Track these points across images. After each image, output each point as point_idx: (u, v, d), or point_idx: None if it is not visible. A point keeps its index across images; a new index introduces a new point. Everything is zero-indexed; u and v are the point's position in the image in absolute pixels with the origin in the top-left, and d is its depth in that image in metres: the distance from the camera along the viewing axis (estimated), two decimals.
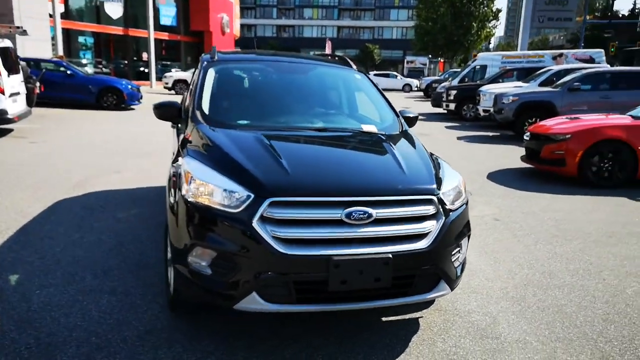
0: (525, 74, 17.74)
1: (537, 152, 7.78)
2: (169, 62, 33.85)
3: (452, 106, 17.62)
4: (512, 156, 9.63)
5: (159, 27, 30.96)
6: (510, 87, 14.21)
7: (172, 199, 2.86)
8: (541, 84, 14.43)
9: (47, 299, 3.26)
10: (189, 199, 2.62)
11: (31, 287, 3.41)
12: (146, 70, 30.81)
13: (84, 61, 27.76)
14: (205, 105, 3.49)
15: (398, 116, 3.83)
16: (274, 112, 3.69)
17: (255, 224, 2.43)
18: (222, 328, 2.97)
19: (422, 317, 3.22)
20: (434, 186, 2.75)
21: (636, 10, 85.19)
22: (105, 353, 2.67)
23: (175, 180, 2.91)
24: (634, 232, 5.18)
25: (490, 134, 13.71)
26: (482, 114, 15.00)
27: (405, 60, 56.46)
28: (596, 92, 12.07)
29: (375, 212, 2.52)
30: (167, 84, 26.47)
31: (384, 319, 3.17)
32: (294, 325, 3.02)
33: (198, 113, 3.41)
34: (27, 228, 4.62)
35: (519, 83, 15.41)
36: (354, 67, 4.38)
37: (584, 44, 37.78)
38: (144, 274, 3.70)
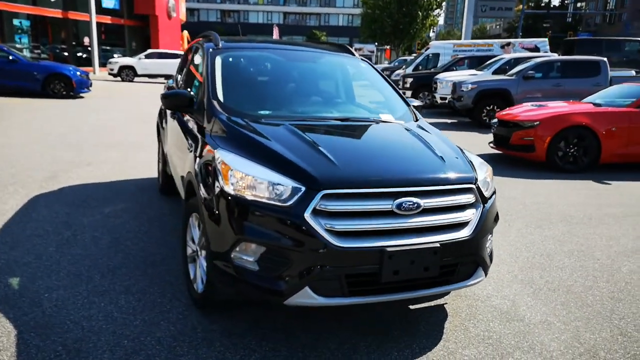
0: (476, 62, 18.30)
1: (507, 138, 8.08)
2: (109, 47, 32.28)
3: (408, 94, 17.92)
4: (476, 142, 9.94)
5: (100, 10, 29.41)
6: (467, 75, 14.61)
7: (204, 194, 2.74)
8: (494, 72, 14.96)
9: (60, 302, 3.06)
10: (232, 193, 2.53)
11: (38, 290, 3.19)
12: (85, 56, 29.27)
13: (18, 46, 25.99)
14: (221, 95, 3.36)
15: (409, 105, 3.85)
16: (290, 102, 3.61)
17: (308, 217, 2.38)
18: (256, 324, 2.91)
19: (446, 303, 3.28)
20: (474, 175, 2.80)
21: (566, 2, 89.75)
22: (144, 356, 2.55)
23: (206, 173, 2.79)
24: (609, 214, 5.50)
25: (449, 120, 14.09)
26: (439, 101, 15.36)
27: (354, 48, 56.78)
28: (549, 80, 12.68)
29: (423, 202, 2.53)
30: (112, 70, 25.34)
31: (411, 307, 3.21)
32: (328, 319, 3.00)
33: (215, 103, 3.27)
34: (9, 227, 4.31)
35: (473, 71, 15.88)
36: (357, 54, 4.36)
37: (522, 33, 39.46)
38: (153, 272, 3.55)
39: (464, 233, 2.64)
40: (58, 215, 4.65)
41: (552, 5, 77.57)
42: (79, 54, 29.94)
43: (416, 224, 2.51)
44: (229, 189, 2.55)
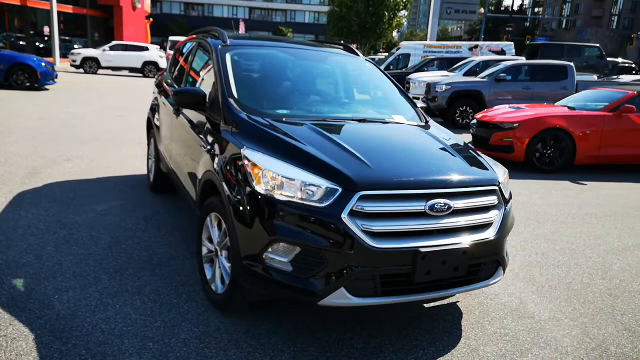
0: (446, 63, 18.71)
1: (486, 139, 8.30)
2: (69, 38, 31.15)
3: None
4: None
5: None
6: (439, 76, 14.90)
7: (231, 194, 2.70)
8: (465, 74, 15.32)
9: (72, 303, 2.96)
10: (264, 193, 2.51)
11: (46, 292, 3.07)
12: (43, 46, 28.14)
13: None
14: (235, 93, 3.32)
15: (416, 107, 3.91)
16: (304, 101, 3.60)
17: (345, 218, 2.39)
18: (278, 325, 2.89)
19: (458, 301, 3.36)
20: (497, 177, 2.87)
21: (524, 6, 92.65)
22: (173, 359, 2.50)
23: (231, 173, 2.76)
24: (590, 213, 5.75)
25: None
26: None
27: None
28: (518, 82, 13.08)
29: (453, 204, 2.58)
30: (74, 61, 24.48)
31: (426, 305, 3.27)
32: (347, 318, 3.02)
33: (232, 101, 3.23)
34: None
35: (445, 72, 16.20)
36: (360, 54, 4.38)
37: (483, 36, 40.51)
38: (161, 272, 3.48)
39: (489, 234, 2.71)
40: (49, 213, 4.48)
41: (511, 10, 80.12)
42: (38, 44, 28.77)
43: (446, 225, 2.56)
44: (261, 189, 2.53)
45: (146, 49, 25.60)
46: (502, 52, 20.49)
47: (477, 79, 13.43)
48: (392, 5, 46.32)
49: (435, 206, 2.53)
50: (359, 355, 2.65)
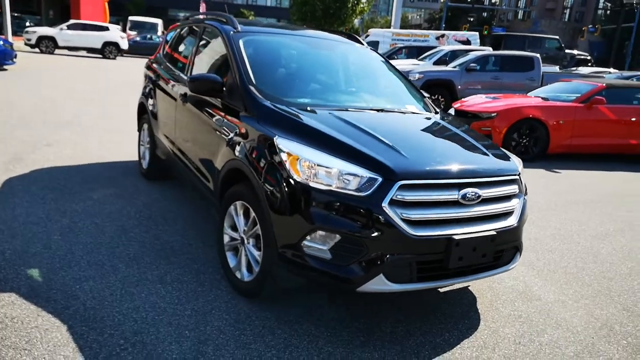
0: (415, 52, 18.98)
1: None
2: (19, 15, 29.57)
3: None
4: None
5: None
6: (410, 65, 15.11)
7: (265, 183, 2.71)
8: (435, 63, 15.60)
9: (96, 293, 2.91)
10: (303, 182, 2.54)
11: (66, 282, 3.01)
12: None
13: None
14: (254, 81, 3.30)
15: (424, 97, 4.00)
16: (320, 90, 3.63)
17: (386, 207, 2.46)
18: (307, 311, 2.95)
19: (469, 286, 3.51)
20: (517, 166, 3.01)
21: None
22: (213, 346, 2.53)
23: (265, 162, 2.76)
24: (570, 200, 6.05)
25: None
26: None
27: None
28: (488, 72, 13.45)
29: (482, 193, 2.70)
30: (29, 40, 23.36)
31: (441, 290, 3.40)
32: (372, 305, 3.11)
33: (253, 89, 3.22)
34: None
35: (415, 61, 16.45)
36: (365, 44, 4.43)
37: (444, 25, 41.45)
38: (178, 260, 3.46)
39: (511, 221, 2.84)
40: (44, 201, 4.34)
41: (468, 0, 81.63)
42: None
43: (476, 213, 2.68)
44: (299, 178, 2.56)
45: (106, 28, 24.68)
46: (468, 42, 20.94)
47: (448, 68, 13.70)
48: None
49: (467, 195, 2.63)
50: (391, 339, 2.75)
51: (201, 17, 4.59)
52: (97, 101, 10.53)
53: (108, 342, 2.48)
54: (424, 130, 3.29)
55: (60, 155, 5.89)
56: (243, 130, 3.06)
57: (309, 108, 3.16)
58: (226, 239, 3.19)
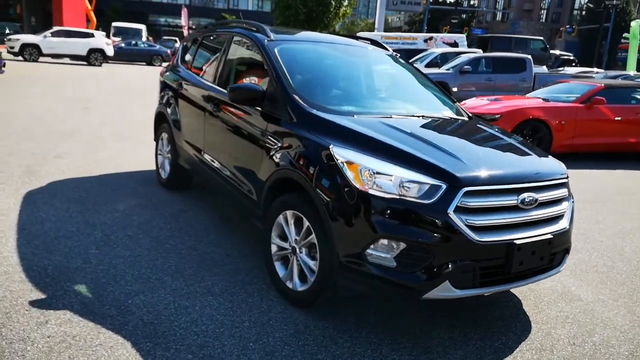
0: (403, 55, 19.07)
1: None
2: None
3: None
4: None
5: None
6: None
7: (325, 193, 2.70)
8: (427, 66, 15.75)
9: (150, 307, 2.88)
10: (366, 191, 2.55)
11: (116, 297, 2.96)
12: None
13: None
14: (298, 89, 3.30)
15: (455, 101, 4.05)
16: (360, 97, 3.65)
17: (451, 214, 2.48)
18: (361, 319, 2.95)
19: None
20: (565, 169, 3.06)
21: None
22: (280, 358, 2.51)
23: (319, 170, 2.76)
24: (581, 199, 6.11)
25: None
26: None
27: None
28: (481, 74, 13.64)
29: (539, 197, 2.74)
30: (12, 48, 22.91)
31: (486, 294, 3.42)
32: (418, 310, 3.12)
33: (297, 98, 3.22)
34: (26, 228, 3.89)
35: None
36: (390, 50, 4.46)
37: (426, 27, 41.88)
38: (220, 272, 3.44)
39: (563, 224, 2.89)
40: (70, 214, 4.27)
41: (455, 2, 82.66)
42: None
43: (534, 217, 2.72)
44: (361, 187, 2.57)
45: (91, 35, 24.36)
46: (455, 44, 21.18)
47: (442, 70, 13.86)
48: None
49: (526, 199, 2.67)
50: (450, 344, 2.77)
51: (230, 25, 4.57)
52: (95, 110, 10.40)
53: (176, 357, 2.45)
54: (470, 135, 3.33)
55: (72, 167, 5.80)
56: (291, 140, 3.06)
57: (355, 116, 3.17)
58: (274, 248, 3.18)
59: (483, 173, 2.64)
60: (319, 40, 4.15)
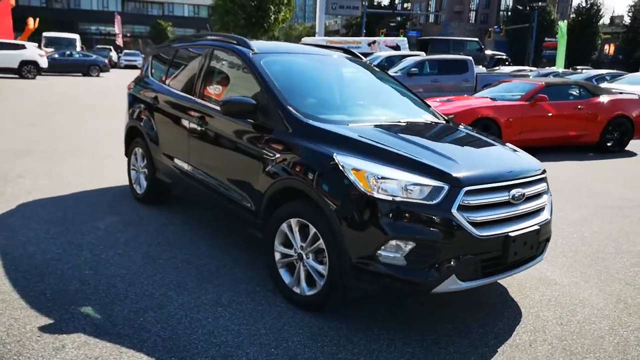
0: None
1: None
2: None
3: None
4: None
5: None
6: None
7: (333, 200, 2.82)
8: None
9: (164, 323, 2.90)
10: (374, 196, 2.70)
11: (126, 315, 2.96)
12: None
13: None
14: (291, 100, 3.42)
15: (429, 106, 4.29)
16: (351, 106, 3.81)
17: (455, 212, 2.68)
18: (370, 318, 3.10)
19: None
20: (542, 165, 3.35)
21: (395, 3, 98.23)
22: (303, 359, 2.62)
23: (325, 178, 2.89)
24: None
25: None
26: None
27: None
28: (427, 76, 14.18)
29: (526, 192, 3.00)
30: None
31: None
32: (424, 304, 3.32)
33: (291, 109, 3.33)
34: (8, 253, 3.76)
35: None
36: (364, 58, 4.66)
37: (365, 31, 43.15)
38: (221, 283, 3.48)
39: (545, 215, 3.17)
40: (52, 236, 4.16)
41: (382, 5, 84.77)
42: None
43: (523, 210, 2.98)
44: (369, 192, 2.72)
45: (23, 47, 23.13)
46: (398, 47, 21.86)
47: (390, 73, 14.27)
48: (277, 0, 46.69)
49: (515, 195, 2.92)
50: (456, 334, 2.97)
51: (205, 38, 4.59)
52: (43, 125, 9.98)
53: None
54: (455, 137, 3.57)
55: (38, 187, 5.60)
56: (290, 150, 3.16)
57: (350, 124, 3.32)
58: (277, 256, 3.27)
59: (479, 173, 2.87)
60: (296, 51, 4.28)
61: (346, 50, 4.72)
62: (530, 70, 18.37)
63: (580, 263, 4.20)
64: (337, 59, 4.36)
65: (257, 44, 4.02)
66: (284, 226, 3.18)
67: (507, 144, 3.66)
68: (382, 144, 3.00)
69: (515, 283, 3.74)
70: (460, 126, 3.88)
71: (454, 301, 3.38)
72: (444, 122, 3.99)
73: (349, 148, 2.97)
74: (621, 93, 10.45)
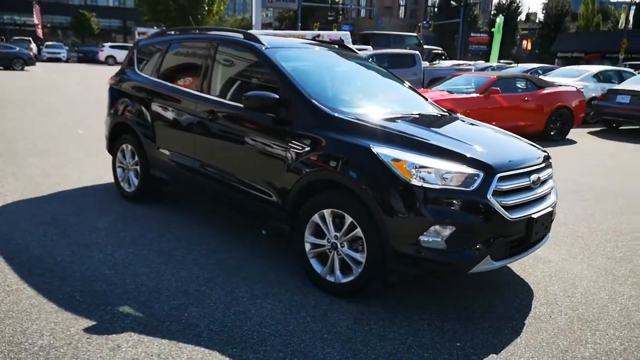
0: None
1: None
2: None
3: None
4: None
5: None
6: None
7: (374, 191, 2.95)
8: None
9: (210, 317, 2.92)
10: (417, 185, 2.86)
11: (170, 312, 2.95)
12: None
13: None
14: (313, 94, 3.50)
15: (427, 99, 4.51)
16: (366, 98, 3.95)
17: (490, 197, 2.90)
18: (402, 300, 3.27)
19: None
20: (546, 152, 3.65)
21: None
22: (359, 343, 2.74)
23: (363, 169, 3.01)
24: None
25: None
26: None
27: (137, 32, 52.99)
28: None
29: (541, 176, 3.28)
30: None
31: None
32: (440, 288, 3.53)
33: (316, 102, 3.41)
34: (13, 257, 3.58)
35: None
36: (358, 52, 4.80)
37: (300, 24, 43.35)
38: (248, 275, 3.52)
39: (553, 197, 3.48)
40: (52, 238, 3.99)
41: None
42: None
43: (540, 194, 3.26)
44: (413, 181, 2.87)
45: None
46: (341, 41, 22.13)
47: None
48: None
49: (534, 179, 3.20)
50: (478, 316, 3.19)
51: (205, 32, 4.53)
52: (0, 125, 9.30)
53: (269, 357, 2.56)
54: (468, 127, 3.80)
55: (10, 189, 5.30)
56: (320, 143, 3.25)
57: (370, 116, 3.46)
58: (307, 247, 3.35)
59: (506, 160, 3.11)
60: (299, 46, 4.36)
61: (341, 45, 4.83)
62: (469, 65, 19.33)
63: (563, 242, 4.60)
64: (341, 54, 4.47)
65: (265, 39, 4.05)
66: (316, 217, 3.27)
67: (509, 133, 3.95)
68: (412, 135, 3.17)
69: (515, 263, 4.04)
70: (464, 118, 4.13)
71: (470, 282, 3.62)
72: (447, 113, 4.22)
73: (382, 139, 3.11)
74: (560, 85, 11.30)
